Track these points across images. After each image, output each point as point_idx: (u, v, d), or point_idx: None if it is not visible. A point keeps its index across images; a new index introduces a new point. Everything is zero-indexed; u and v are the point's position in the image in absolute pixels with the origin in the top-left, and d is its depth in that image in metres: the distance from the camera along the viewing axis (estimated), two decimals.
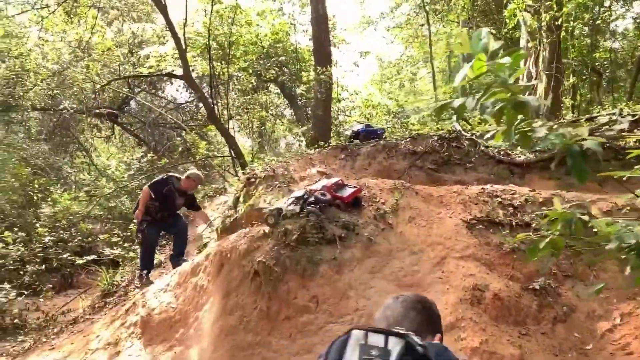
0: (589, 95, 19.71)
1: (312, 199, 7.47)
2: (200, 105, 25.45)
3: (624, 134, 8.29)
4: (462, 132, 9.76)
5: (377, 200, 7.85)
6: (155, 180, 10.37)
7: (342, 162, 9.81)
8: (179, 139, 23.99)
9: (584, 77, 18.98)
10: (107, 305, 11.44)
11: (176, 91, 29.43)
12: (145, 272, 10.72)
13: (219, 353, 6.86)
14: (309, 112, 22.21)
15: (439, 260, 6.74)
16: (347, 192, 7.59)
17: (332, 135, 18.52)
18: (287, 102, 24.16)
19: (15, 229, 14.72)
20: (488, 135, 2.70)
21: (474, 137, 9.57)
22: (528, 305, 6.13)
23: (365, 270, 6.90)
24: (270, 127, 26.96)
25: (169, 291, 8.52)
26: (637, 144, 8.24)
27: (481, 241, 6.91)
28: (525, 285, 6.34)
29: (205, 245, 10.96)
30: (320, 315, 6.60)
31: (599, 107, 18.80)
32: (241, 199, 9.48)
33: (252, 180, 9.47)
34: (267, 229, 7.57)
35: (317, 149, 10.49)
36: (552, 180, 8.58)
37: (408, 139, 9.85)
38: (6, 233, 12.12)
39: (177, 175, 11.11)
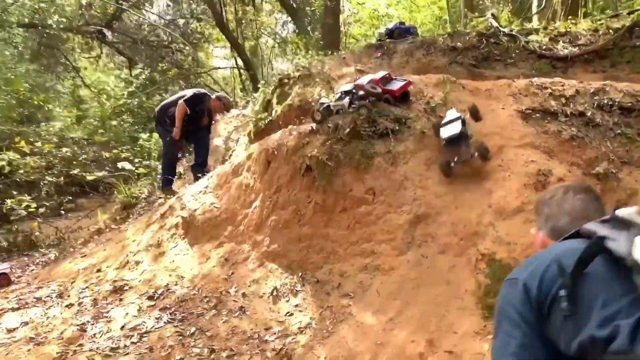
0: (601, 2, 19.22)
1: (361, 92, 7.24)
2: (191, 21, 24.48)
3: None
4: (500, 27, 9.43)
5: (425, 95, 7.65)
6: (191, 96, 10.05)
7: (378, 60, 9.49)
8: (178, 55, 23.12)
9: None
10: (131, 216, 11.39)
11: (167, 6, 27.90)
12: (168, 180, 10.63)
13: (275, 245, 6.90)
14: (312, 24, 21.44)
15: (496, 149, 6.66)
16: (397, 85, 7.36)
17: (340, 46, 18.00)
18: (287, 14, 23.15)
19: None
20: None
21: (513, 32, 9.27)
22: None
23: (420, 162, 6.82)
24: (266, 44, 26.11)
25: (208, 193, 8.44)
26: None
27: (538, 130, 6.81)
28: (587, 170, 6.33)
29: (231, 153, 10.78)
30: (378, 205, 6.59)
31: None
32: (274, 101, 9.20)
33: (285, 81, 9.16)
34: (314, 125, 7.39)
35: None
36: (597, 74, 8.42)
37: (445, 36, 9.52)
38: (22, 142, 11.76)
39: (208, 93, 10.83)
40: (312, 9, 22.08)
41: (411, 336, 5.10)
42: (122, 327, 6.26)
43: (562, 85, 7.61)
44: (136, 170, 14.35)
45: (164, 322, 6.20)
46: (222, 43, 24.60)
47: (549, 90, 7.52)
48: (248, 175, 7.82)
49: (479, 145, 6.42)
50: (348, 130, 6.93)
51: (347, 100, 7.18)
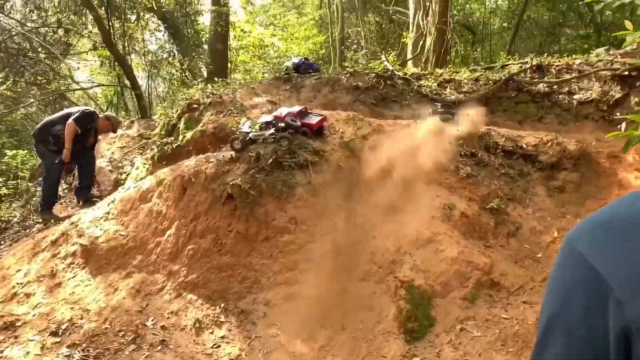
0: (462, 52, 21.75)
1: (282, 124, 7.46)
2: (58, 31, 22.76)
3: (536, 80, 9.51)
4: (394, 71, 10.30)
5: (337, 130, 8.09)
6: (81, 114, 9.42)
7: (287, 93, 9.78)
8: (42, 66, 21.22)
9: (459, 34, 20.81)
10: (1, 242, 10.23)
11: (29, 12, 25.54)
12: (49, 204, 9.83)
13: (194, 275, 6.75)
14: (198, 47, 21.18)
15: (406, 184, 7.27)
16: (314, 119, 7.71)
17: (229, 72, 18.06)
18: (170, 35, 22.60)
19: None
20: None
21: (406, 76, 10.18)
22: (487, 222, 6.97)
23: (338, 193, 7.20)
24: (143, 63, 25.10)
25: (111, 219, 7.95)
26: (546, 87, 9.51)
27: (439, 167, 7.58)
28: (481, 205, 7.17)
29: (126, 177, 10.25)
30: (300, 235, 6.80)
31: (473, 62, 20.88)
32: (181, 125, 9.02)
33: (195, 106, 9.04)
34: (233, 153, 7.42)
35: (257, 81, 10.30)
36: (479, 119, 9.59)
37: (348, 75, 10.14)
38: None
39: (97, 112, 10.27)
40: (190, 31, 21.88)
41: None
42: None
43: (458, 129, 8.56)
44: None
45: None
46: (92, 58, 23.21)
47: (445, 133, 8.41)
48: (159, 202, 7.55)
49: None
50: (270, 160, 7.09)
51: (270, 131, 7.35)
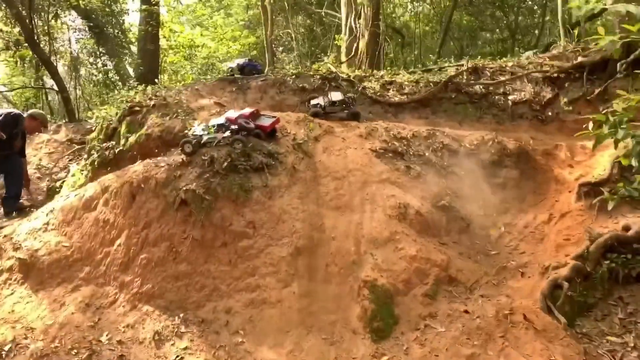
0: (392, 55, 22.35)
1: (234, 127, 7.31)
2: None
3: (477, 82, 9.95)
4: (339, 73, 10.39)
5: (289, 132, 8.05)
6: (3, 118, 8.74)
7: (233, 94, 9.56)
8: None
9: (389, 37, 21.37)
10: None
11: None
12: None
13: (149, 285, 6.46)
14: (124, 48, 20.27)
15: (360, 184, 7.36)
16: (267, 121, 7.62)
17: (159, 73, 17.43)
18: (94, 34, 21.45)
19: None
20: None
21: (350, 78, 10.30)
22: (439, 220, 7.19)
23: (295, 195, 7.15)
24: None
25: (52, 230, 7.45)
26: (482, 89, 9.97)
27: (391, 167, 7.73)
28: (433, 203, 7.39)
29: (61, 185, 9.65)
30: (259, 239, 6.69)
31: (403, 64, 21.52)
32: (122, 129, 8.61)
33: (137, 109, 8.65)
34: (184, 157, 7.18)
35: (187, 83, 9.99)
36: (422, 119, 9.85)
37: (293, 76, 10.09)
38: None
39: (21, 113, 9.55)
40: (116, 31, 20.95)
41: None
42: None
43: (402, 129, 8.77)
44: None
45: None
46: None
47: (392, 133, 8.59)
48: (106, 210, 7.16)
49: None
50: (225, 163, 6.92)
51: (224, 134, 7.18)
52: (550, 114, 9.50)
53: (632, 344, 4.87)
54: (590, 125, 3.47)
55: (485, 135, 8.76)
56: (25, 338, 6.08)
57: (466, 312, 5.73)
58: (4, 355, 5.77)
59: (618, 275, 5.58)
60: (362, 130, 8.55)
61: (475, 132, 9.03)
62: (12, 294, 6.87)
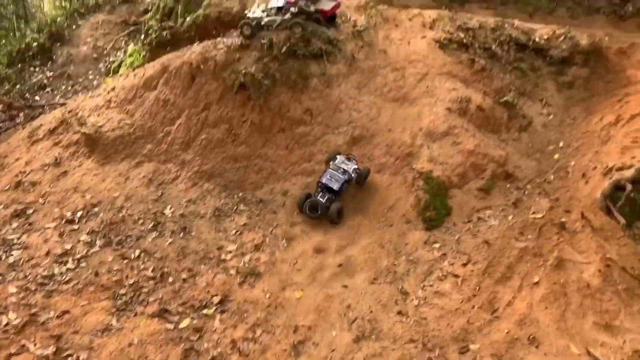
0: None
1: (294, 9, 7.07)
2: None
3: None
4: None
5: (349, 18, 7.75)
6: None
7: None
8: None
9: None
10: None
11: None
12: None
13: (209, 165, 6.71)
14: None
15: (421, 76, 7.15)
16: (328, 5, 7.31)
17: None
18: None
19: None
20: None
21: None
22: (500, 116, 6.99)
23: (352, 85, 7.04)
24: None
25: (114, 107, 7.69)
26: None
27: (454, 60, 7.42)
28: (495, 99, 7.15)
29: (119, 64, 9.76)
30: (316, 127, 6.73)
31: None
32: (180, 10, 8.48)
33: None
34: (243, 40, 7.08)
35: None
36: (490, 10, 9.26)
37: None
38: None
39: None
40: None
41: (371, 246, 5.52)
42: (47, 254, 5.70)
43: (469, 19, 8.29)
44: None
45: (99, 247, 5.78)
46: None
47: (458, 23, 8.13)
48: (166, 90, 7.27)
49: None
50: (284, 48, 6.80)
51: (284, 16, 6.97)
52: (630, 9, 8.73)
53: None
54: None
55: (557, 29, 8.18)
56: (95, 207, 6.51)
57: (520, 207, 5.74)
58: (76, 221, 6.24)
59: None
60: (426, 18, 8.13)
61: (547, 26, 8.44)
62: (80, 165, 7.27)
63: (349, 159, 6.22)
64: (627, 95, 7.24)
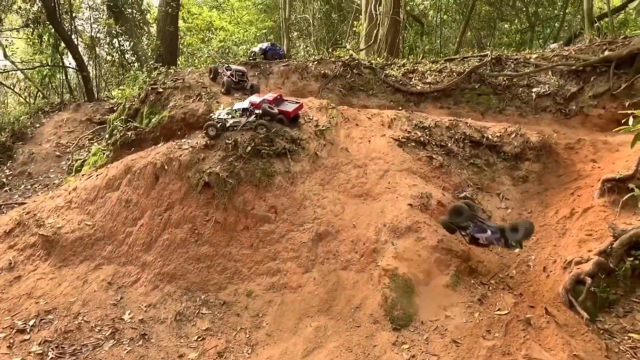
0: (410, 42, 22.11)
1: (258, 111, 7.31)
2: None
3: (501, 74, 9.84)
4: (361, 61, 10.32)
5: (312, 118, 8.04)
6: None
7: (255, 79, 9.55)
8: None
9: (407, 24, 21.16)
10: None
11: None
12: None
13: (171, 266, 6.54)
14: (142, 29, 20.21)
15: (382, 173, 7.35)
16: (290, 107, 7.61)
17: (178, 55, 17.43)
18: (113, 14, 21.34)
19: None
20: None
21: (372, 65, 10.23)
22: None
23: (316, 182, 7.17)
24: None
25: (74, 208, 7.55)
26: (506, 80, 9.86)
27: (413, 157, 7.71)
28: (455, 194, 7.37)
29: (82, 164, 9.73)
30: (280, 224, 6.73)
31: (423, 53, 21.29)
32: (145, 110, 8.64)
33: (160, 90, 8.67)
34: (208, 140, 7.21)
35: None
36: (444, 109, 9.80)
37: (315, 62, 10.05)
38: None
39: None
40: (135, 12, 20.84)
41: (339, 350, 5.35)
42: None
43: (425, 118, 8.73)
44: None
45: (51, 358, 5.42)
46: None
47: (414, 122, 8.55)
48: (129, 190, 7.23)
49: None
50: (249, 148, 6.94)
51: (248, 118, 7.19)
52: (574, 107, 9.39)
53: None
54: (631, 120, 3.43)
55: (508, 127, 8.69)
56: (49, 314, 6.19)
57: (486, 303, 5.73)
58: (28, 330, 5.89)
59: None
60: (385, 118, 8.52)
61: (498, 124, 8.96)
62: (35, 269, 6.99)
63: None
64: (579, 189, 7.58)
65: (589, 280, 5.46)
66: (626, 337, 5.08)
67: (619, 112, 8.02)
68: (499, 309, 5.55)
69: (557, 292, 5.58)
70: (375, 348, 5.39)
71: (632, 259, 5.59)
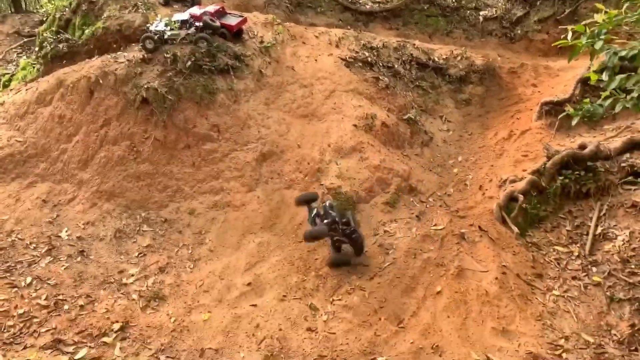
0: None
1: (198, 24, 6.94)
2: None
3: None
4: None
5: (256, 34, 7.72)
6: None
7: None
8: None
9: None
10: None
11: None
12: None
13: (110, 184, 6.36)
14: None
15: (328, 93, 7.25)
16: (233, 20, 7.25)
17: None
18: None
19: None
20: None
21: None
22: (404, 132, 7.25)
23: (260, 101, 7.00)
24: None
25: (2, 124, 7.12)
26: (454, 2, 9.76)
27: (360, 77, 7.61)
28: (399, 115, 7.40)
29: (10, 78, 9.08)
30: (223, 143, 6.60)
31: None
32: (77, 22, 8.05)
33: (93, 0, 8.06)
34: (144, 54, 6.83)
35: None
36: (393, 30, 9.65)
37: None
38: None
39: None
40: None
41: (281, 264, 5.45)
42: None
43: (373, 39, 8.57)
44: None
45: None
46: None
47: (362, 42, 8.39)
48: (62, 105, 6.85)
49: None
50: (189, 63, 6.64)
51: (188, 30, 6.82)
52: (519, 32, 9.47)
53: (576, 253, 5.20)
54: (570, 35, 3.44)
55: (455, 50, 8.69)
56: None
57: (423, 219, 5.93)
58: None
59: (570, 191, 5.83)
60: (332, 37, 8.30)
61: (445, 47, 8.93)
62: None
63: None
64: (518, 112, 7.79)
65: (521, 197, 5.72)
66: (552, 250, 5.42)
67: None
68: (435, 225, 5.76)
69: (491, 209, 5.82)
70: (316, 261, 5.53)
71: (562, 177, 5.86)
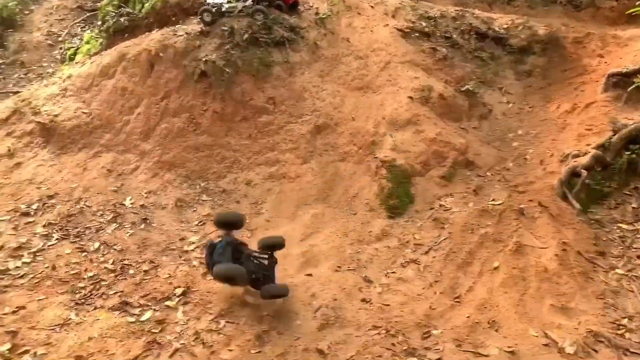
0: None
1: None
2: None
3: None
4: None
5: (312, 5, 7.70)
6: None
7: None
8: None
9: None
10: None
11: None
12: None
13: (170, 155, 6.59)
14: None
15: (384, 65, 7.16)
16: None
17: None
18: None
19: None
20: None
21: None
22: (462, 104, 7.08)
23: (315, 73, 7.01)
24: None
25: (69, 96, 7.44)
26: None
27: (416, 48, 7.47)
28: (457, 87, 7.23)
29: (74, 52, 9.42)
30: (279, 115, 6.68)
31: None
32: None
33: None
34: (203, 27, 6.94)
35: None
36: None
37: None
38: None
39: None
40: None
41: (335, 235, 5.52)
42: (1, 248, 5.48)
43: (430, 8, 8.36)
44: None
45: (56, 239, 5.60)
46: None
47: (419, 12, 8.20)
48: (124, 78, 7.08)
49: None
50: (246, 35, 6.70)
51: (245, 2, 6.87)
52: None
53: None
54: None
55: (516, 19, 8.35)
56: (51, 198, 6.31)
57: (481, 194, 5.83)
58: (32, 213, 6.03)
59: (637, 167, 5.58)
60: (389, 7, 8.15)
61: (505, 16, 8.59)
62: (34, 156, 7.03)
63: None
64: (583, 84, 7.44)
65: (584, 172, 5.51)
66: (615, 227, 5.22)
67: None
68: (493, 199, 5.66)
69: (553, 185, 5.65)
70: (370, 234, 5.57)
71: (629, 153, 5.61)
